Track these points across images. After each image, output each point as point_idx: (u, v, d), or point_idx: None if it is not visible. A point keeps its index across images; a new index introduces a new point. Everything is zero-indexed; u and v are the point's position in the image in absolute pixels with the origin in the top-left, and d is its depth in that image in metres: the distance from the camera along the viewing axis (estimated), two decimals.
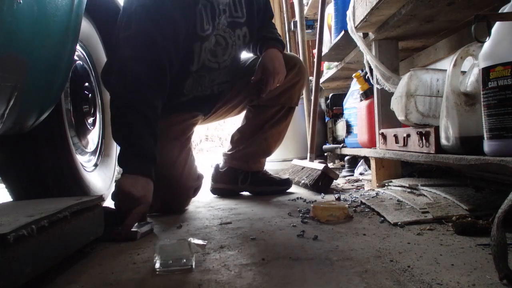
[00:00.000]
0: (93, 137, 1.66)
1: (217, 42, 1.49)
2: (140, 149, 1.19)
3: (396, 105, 1.37)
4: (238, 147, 1.82)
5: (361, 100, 1.94)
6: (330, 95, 2.75)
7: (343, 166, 2.53)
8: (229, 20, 1.49)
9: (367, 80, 1.85)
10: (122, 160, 1.20)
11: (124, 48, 1.28)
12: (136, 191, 1.13)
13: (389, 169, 1.67)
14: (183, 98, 1.58)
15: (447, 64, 1.12)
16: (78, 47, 1.47)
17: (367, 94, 1.87)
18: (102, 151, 1.72)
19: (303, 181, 1.91)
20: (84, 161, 1.53)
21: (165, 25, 1.30)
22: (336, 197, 1.53)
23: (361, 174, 2.19)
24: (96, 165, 1.63)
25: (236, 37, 1.54)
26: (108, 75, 1.43)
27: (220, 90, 1.68)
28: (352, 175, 2.25)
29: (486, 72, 0.87)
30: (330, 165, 2.65)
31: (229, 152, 1.85)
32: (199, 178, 1.59)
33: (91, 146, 1.64)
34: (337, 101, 2.63)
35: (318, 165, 1.89)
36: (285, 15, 3.77)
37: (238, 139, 1.83)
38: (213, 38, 1.47)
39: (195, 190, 1.57)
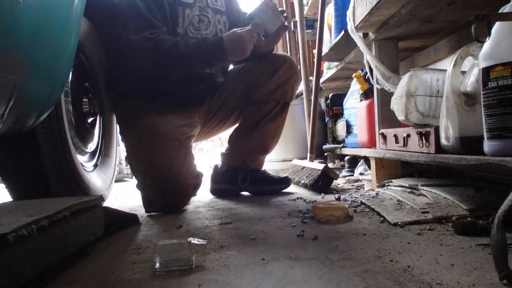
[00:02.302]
0: (93, 137, 1.66)
1: (200, 20, 1.67)
2: (203, 44, 1.52)
3: (396, 105, 1.37)
4: (235, 146, 1.83)
5: (361, 100, 1.94)
6: (330, 95, 2.75)
7: (343, 166, 2.53)
8: (212, 7, 1.71)
9: (367, 80, 1.85)
10: (211, 57, 1.52)
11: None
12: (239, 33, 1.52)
13: (389, 169, 1.67)
14: (174, 73, 1.62)
15: (447, 64, 1.12)
16: (78, 47, 1.47)
17: (367, 94, 1.87)
18: (102, 151, 1.72)
19: (303, 181, 1.91)
20: (84, 161, 1.53)
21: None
22: (336, 197, 1.53)
23: (361, 174, 2.19)
24: (96, 165, 1.63)
25: (217, 20, 1.72)
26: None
27: (213, 73, 1.72)
28: (352, 175, 2.25)
29: (486, 72, 0.87)
30: (330, 165, 2.65)
31: (227, 152, 1.86)
32: (199, 176, 1.60)
33: (91, 146, 1.63)
34: (337, 101, 2.62)
35: (318, 165, 1.89)
36: None
37: (236, 138, 1.84)
38: (196, 17, 1.65)
39: (194, 188, 1.58)
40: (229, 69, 1.87)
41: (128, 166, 3.20)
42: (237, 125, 1.87)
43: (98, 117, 1.71)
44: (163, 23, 1.54)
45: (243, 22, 1.79)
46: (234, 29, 1.56)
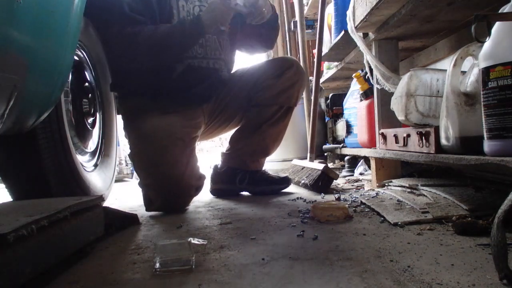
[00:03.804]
0: (93, 137, 1.66)
1: (201, 11, 1.63)
2: (180, 22, 1.54)
3: (396, 105, 1.37)
4: (236, 146, 1.82)
5: (361, 100, 1.94)
6: (330, 95, 2.75)
7: (343, 166, 2.53)
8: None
9: (367, 80, 1.85)
10: (192, 28, 1.49)
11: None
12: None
13: (389, 169, 1.67)
14: (179, 67, 1.60)
15: (447, 64, 1.12)
16: (78, 47, 1.47)
17: (367, 94, 1.87)
18: (102, 151, 1.72)
19: (303, 181, 1.91)
20: (84, 161, 1.54)
21: None
22: (336, 197, 1.53)
23: (361, 174, 2.19)
24: (96, 165, 1.63)
25: None
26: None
27: (217, 68, 1.70)
28: (352, 175, 2.25)
29: (486, 72, 0.88)
30: (330, 165, 2.65)
31: (227, 152, 1.85)
32: (201, 178, 1.60)
33: (91, 146, 1.64)
34: (337, 101, 2.62)
35: (318, 165, 1.89)
36: (285, 15, 3.77)
37: (237, 139, 1.84)
38: (197, 8, 1.64)
39: (196, 189, 1.57)
40: (235, 70, 1.86)
41: (128, 166, 3.22)
42: (239, 126, 1.86)
43: (98, 117, 1.71)
44: (149, 15, 1.52)
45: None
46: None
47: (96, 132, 1.69)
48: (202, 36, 1.58)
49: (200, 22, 1.49)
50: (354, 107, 2.12)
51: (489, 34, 0.85)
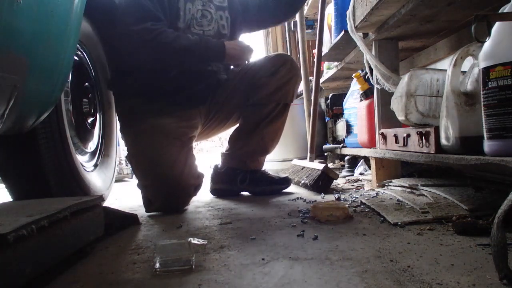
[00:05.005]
0: (93, 137, 1.66)
1: (203, 15, 1.66)
2: (205, 40, 1.58)
3: (396, 105, 1.37)
4: (235, 147, 1.82)
5: (361, 100, 1.94)
6: (330, 95, 2.75)
7: (343, 166, 2.53)
8: (216, 4, 1.72)
9: (367, 80, 1.85)
10: (211, 54, 1.57)
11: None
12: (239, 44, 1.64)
13: (389, 169, 1.67)
14: (173, 66, 1.60)
15: (447, 64, 1.13)
16: (78, 47, 1.47)
17: (367, 94, 1.87)
18: (102, 151, 1.72)
19: (303, 181, 1.91)
20: (84, 161, 1.54)
21: None
22: (336, 197, 1.53)
23: (361, 174, 2.19)
24: (96, 165, 1.63)
25: (219, 16, 1.70)
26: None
27: (214, 69, 1.71)
28: (352, 175, 2.25)
29: (486, 72, 0.88)
30: (330, 165, 2.65)
31: (227, 152, 1.85)
32: (200, 176, 1.60)
33: (91, 146, 1.64)
34: (337, 101, 2.62)
35: (318, 165, 1.89)
36: None
37: (236, 138, 1.84)
38: (199, 12, 1.65)
39: (195, 188, 1.57)
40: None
41: (128, 166, 3.21)
42: (237, 125, 1.86)
43: (98, 117, 1.71)
44: (163, 14, 1.53)
45: (242, 13, 1.78)
46: (239, 40, 1.68)
47: (96, 132, 1.69)
48: (221, 61, 1.66)
49: (222, 48, 1.56)
50: (354, 107, 2.12)
51: (489, 34, 0.85)
